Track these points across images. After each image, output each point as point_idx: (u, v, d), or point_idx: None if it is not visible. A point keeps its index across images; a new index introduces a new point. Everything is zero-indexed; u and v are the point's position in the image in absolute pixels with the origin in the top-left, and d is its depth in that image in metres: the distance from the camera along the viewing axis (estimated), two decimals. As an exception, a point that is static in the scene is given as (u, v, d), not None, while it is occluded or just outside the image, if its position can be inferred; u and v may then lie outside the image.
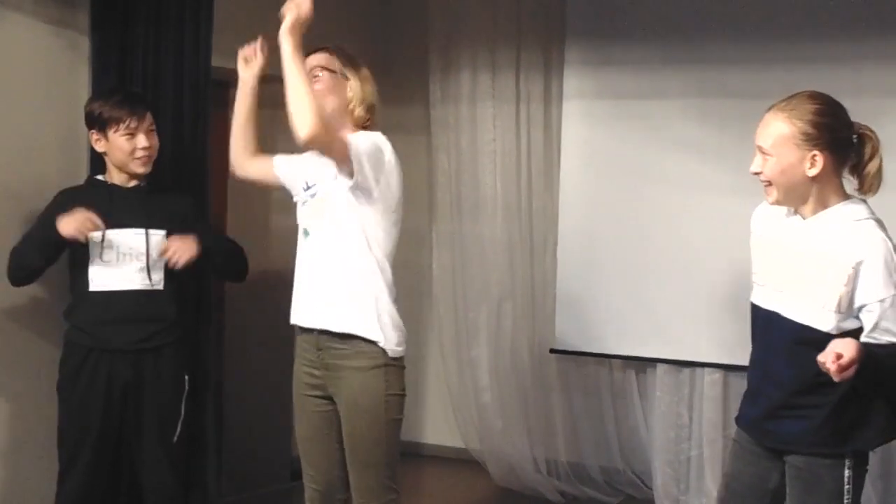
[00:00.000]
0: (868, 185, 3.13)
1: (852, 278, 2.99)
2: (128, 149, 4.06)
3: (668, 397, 5.79)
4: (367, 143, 3.53)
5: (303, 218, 3.74)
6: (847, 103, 3.18)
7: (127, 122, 4.05)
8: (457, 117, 6.22)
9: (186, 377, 4.22)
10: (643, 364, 5.93)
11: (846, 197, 3.13)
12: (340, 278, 3.60)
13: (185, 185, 5.00)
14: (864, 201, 3.14)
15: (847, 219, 3.08)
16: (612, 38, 5.88)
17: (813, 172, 3.06)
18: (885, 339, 2.99)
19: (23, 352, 4.36)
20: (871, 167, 3.13)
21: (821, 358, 2.84)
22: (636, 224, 5.77)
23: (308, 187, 3.71)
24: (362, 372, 3.59)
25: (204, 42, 5.02)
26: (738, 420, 3.37)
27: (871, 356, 2.90)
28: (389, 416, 3.62)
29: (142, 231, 4.05)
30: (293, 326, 3.81)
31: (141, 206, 4.09)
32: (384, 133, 3.63)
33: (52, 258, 4.04)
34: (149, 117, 4.14)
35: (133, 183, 4.14)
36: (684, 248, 5.51)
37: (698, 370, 5.70)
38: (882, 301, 2.98)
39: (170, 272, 4.10)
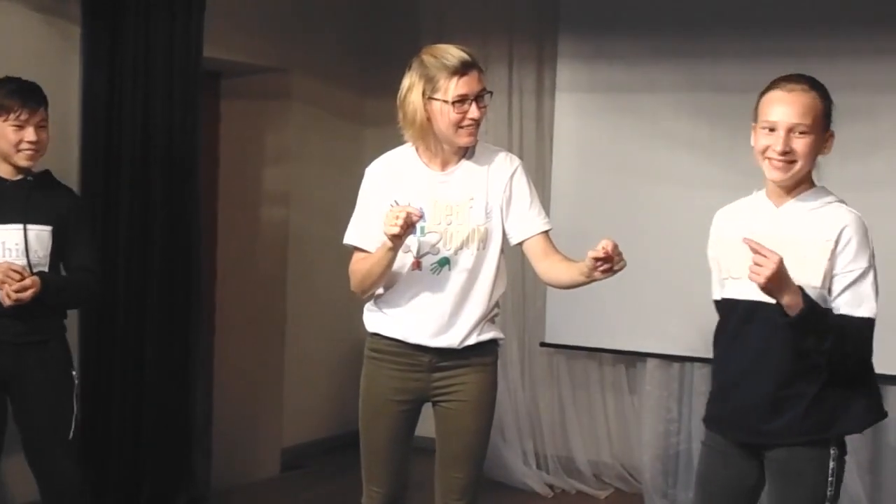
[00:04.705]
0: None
1: (833, 252, 3.01)
2: (14, 140, 3.94)
3: (658, 392, 5.79)
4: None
5: None
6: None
7: (17, 113, 3.93)
8: (449, 110, 6.19)
9: (74, 373, 4.11)
10: (633, 358, 5.92)
11: (813, 184, 3.15)
12: None
13: (176, 176, 4.99)
14: (825, 188, 3.16)
15: (819, 201, 3.10)
16: (606, 31, 5.86)
17: (827, 152, 3.10)
18: (844, 310, 3.01)
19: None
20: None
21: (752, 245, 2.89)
22: (627, 217, 5.76)
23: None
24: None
25: (195, 31, 5.00)
26: (708, 423, 3.31)
27: (815, 305, 2.93)
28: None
29: (20, 227, 3.95)
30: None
31: (23, 201, 3.98)
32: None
33: None
34: (42, 113, 4.01)
35: (19, 176, 4.02)
36: (676, 242, 5.50)
37: (688, 365, 5.70)
38: (851, 272, 3.01)
39: (56, 265, 4.02)
